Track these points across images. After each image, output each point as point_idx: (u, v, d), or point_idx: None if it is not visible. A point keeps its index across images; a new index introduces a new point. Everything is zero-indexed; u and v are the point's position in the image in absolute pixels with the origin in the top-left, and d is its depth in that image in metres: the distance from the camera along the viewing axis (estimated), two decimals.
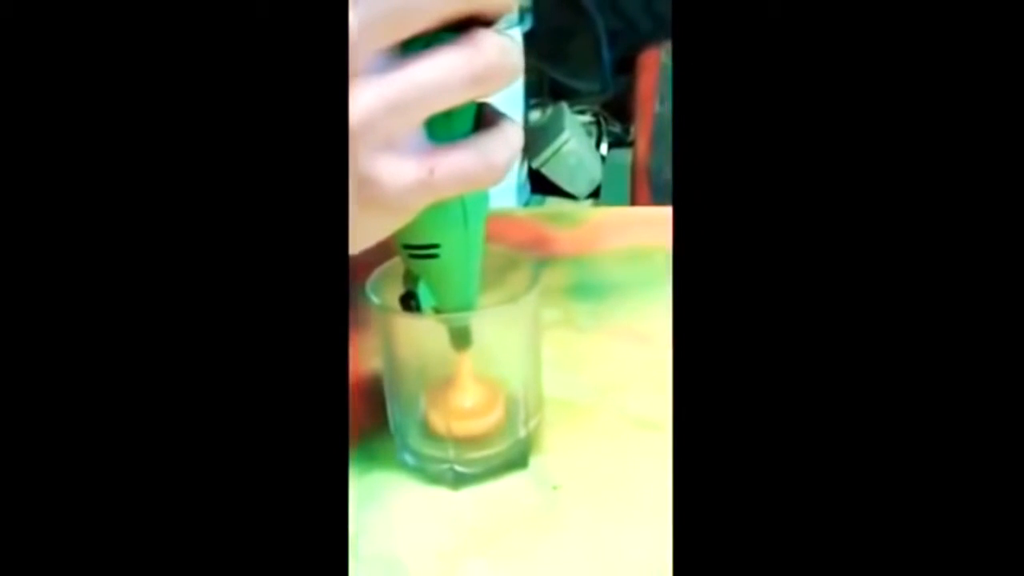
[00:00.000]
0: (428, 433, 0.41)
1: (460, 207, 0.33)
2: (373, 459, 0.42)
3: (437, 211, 0.32)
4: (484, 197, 0.35)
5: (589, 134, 1.94)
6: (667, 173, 1.66)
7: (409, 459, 0.41)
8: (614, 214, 0.72)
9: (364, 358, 0.49)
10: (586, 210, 1.23)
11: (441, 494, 0.40)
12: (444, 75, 0.28)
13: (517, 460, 0.41)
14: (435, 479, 0.40)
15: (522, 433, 0.41)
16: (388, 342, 0.40)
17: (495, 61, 0.29)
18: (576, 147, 1.83)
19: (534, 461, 0.41)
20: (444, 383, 0.40)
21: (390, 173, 0.29)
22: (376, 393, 0.44)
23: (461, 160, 0.30)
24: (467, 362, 0.39)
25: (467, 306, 0.37)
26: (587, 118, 1.97)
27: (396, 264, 0.39)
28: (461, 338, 0.38)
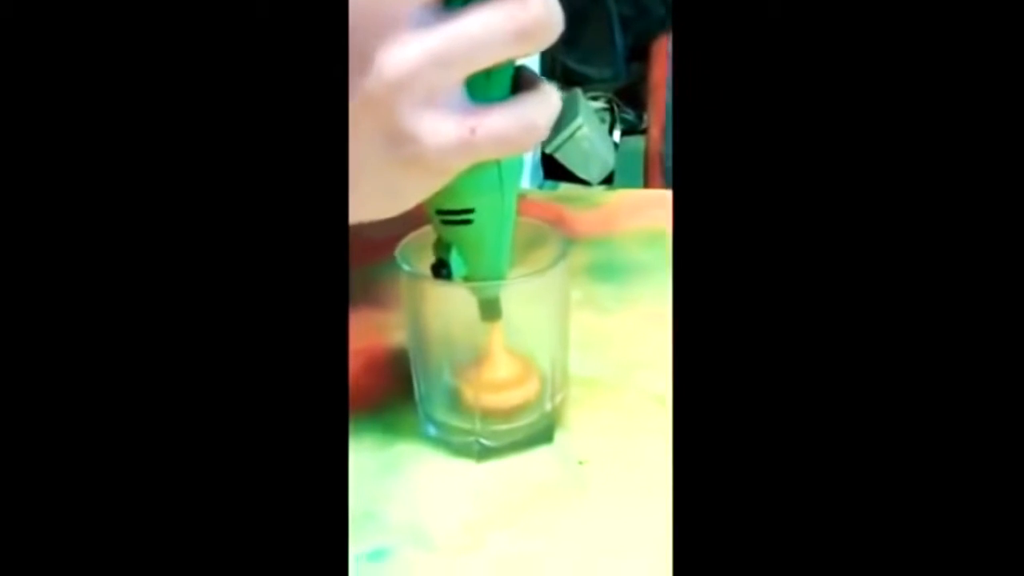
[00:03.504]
0: (454, 405, 0.40)
1: (496, 172, 0.33)
2: (396, 431, 0.41)
3: (473, 175, 0.32)
4: (519, 163, 0.35)
5: (602, 121, 1.93)
6: None
7: (433, 431, 0.41)
8: (631, 196, 0.72)
9: (387, 333, 0.48)
10: (603, 192, 1.22)
11: (465, 467, 0.40)
12: (490, 30, 0.28)
13: (543, 434, 0.40)
14: (460, 451, 0.40)
15: (548, 407, 0.40)
16: (417, 312, 0.39)
17: (541, 17, 0.28)
18: (589, 133, 1.82)
19: (559, 436, 0.41)
20: (472, 355, 0.40)
21: (432, 131, 0.28)
22: (399, 367, 0.43)
23: (502, 121, 0.29)
24: (498, 334, 0.39)
25: (498, 275, 0.37)
26: (600, 104, 1.96)
27: (426, 233, 0.38)
28: (491, 309, 0.38)
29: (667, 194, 0.73)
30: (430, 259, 0.37)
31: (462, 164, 0.30)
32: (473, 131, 0.29)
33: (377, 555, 0.35)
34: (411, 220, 0.34)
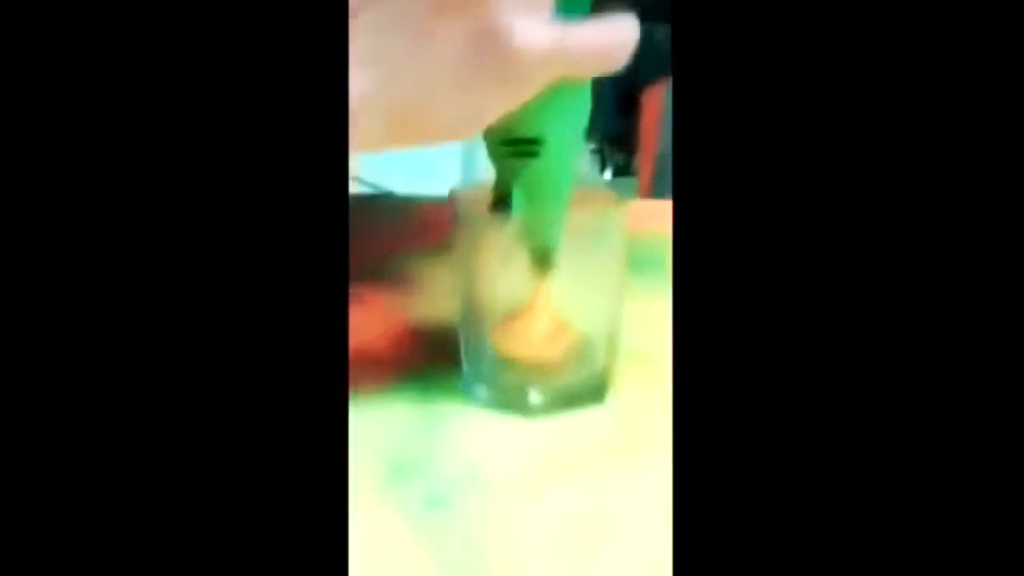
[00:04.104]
0: (502, 360, 0.39)
1: (572, 103, 0.33)
2: (441, 392, 0.40)
3: (549, 102, 0.31)
4: (588, 106, 0.34)
5: (593, 162, 1.99)
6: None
7: (481, 389, 0.39)
8: (647, 205, 0.72)
9: (421, 309, 0.48)
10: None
11: (515, 422, 0.38)
12: None
13: (593, 394, 0.39)
14: (509, 406, 0.39)
15: (599, 366, 0.39)
16: (469, 260, 0.38)
17: None
18: (586, 168, 1.86)
19: (610, 399, 0.40)
20: (522, 309, 0.39)
21: (525, 33, 0.28)
22: (438, 335, 0.42)
23: (593, 33, 0.29)
24: (545, 289, 0.38)
25: (556, 219, 0.36)
26: (591, 146, 2.01)
27: (482, 186, 0.38)
28: (544, 258, 0.37)
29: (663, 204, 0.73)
30: (484, 208, 0.36)
31: (548, 75, 0.30)
32: (564, 39, 0.28)
33: (434, 502, 0.33)
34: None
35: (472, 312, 0.39)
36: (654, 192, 1.83)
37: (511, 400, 0.39)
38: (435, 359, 0.42)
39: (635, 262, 0.41)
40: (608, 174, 1.98)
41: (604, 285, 0.39)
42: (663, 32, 1.94)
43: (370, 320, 0.47)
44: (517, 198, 0.35)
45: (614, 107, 2.05)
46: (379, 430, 0.37)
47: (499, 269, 0.38)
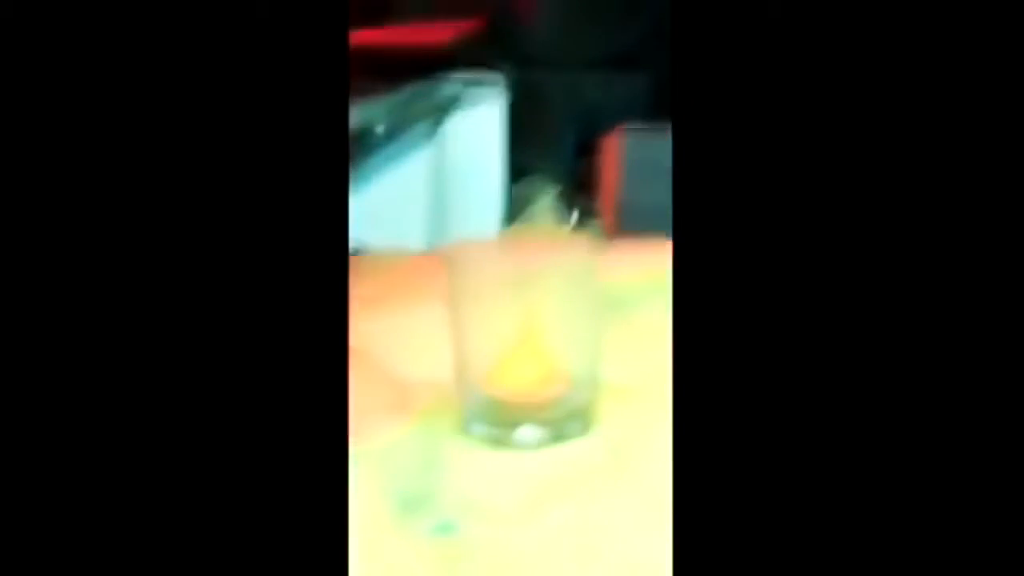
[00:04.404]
0: (496, 401, 0.43)
1: None
2: (437, 431, 0.44)
3: None
4: None
5: (558, 207, 2.01)
6: None
7: (476, 427, 0.43)
8: (620, 246, 0.76)
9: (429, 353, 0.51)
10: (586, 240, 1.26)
11: (510, 455, 0.42)
12: None
13: (581, 427, 0.43)
14: (505, 443, 0.43)
15: (584, 401, 0.43)
16: (461, 310, 0.42)
17: None
18: (552, 211, 1.91)
19: (594, 430, 0.44)
20: (511, 348, 0.43)
21: None
22: (440, 379, 0.46)
23: None
24: (533, 333, 0.42)
25: None
26: (555, 191, 2.04)
27: (472, 240, 0.42)
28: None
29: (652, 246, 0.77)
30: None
31: None
32: None
33: (444, 528, 0.36)
34: None
35: (466, 359, 0.43)
36: (617, 235, 1.87)
37: (507, 437, 0.43)
38: (435, 405, 0.46)
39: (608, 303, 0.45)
40: (574, 217, 2.03)
41: (585, 327, 0.43)
42: (619, 82, 2.00)
43: (369, 372, 0.51)
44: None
45: (574, 153, 2.09)
46: (387, 473, 0.41)
47: (490, 318, 0.42)
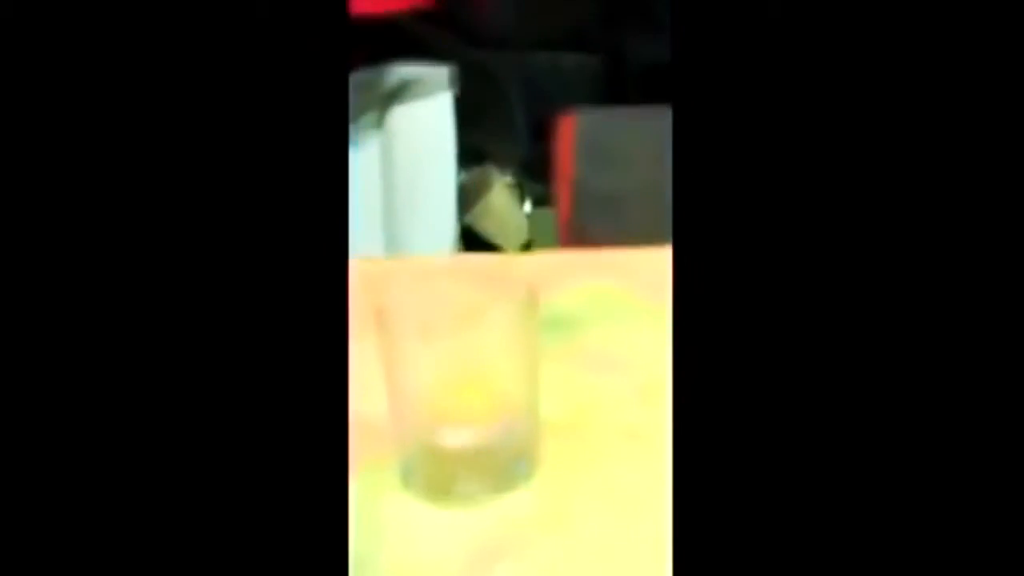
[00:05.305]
0: (434, 454, 0.42)
1: None
2: (378, 488, 0.43)
3: None
4: None
5: (512, 194, 2.01)
6: (592, 231, 1.71)
7: (415, 481, 0.42)
8: (565, 259, 0.75)
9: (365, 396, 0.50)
10: (530, 257, 1.26)
11: (450, 513, 0.41)
12: None
13: (521, 476, 0.43)
14: (442, 497, 0.42)
15: (524, 447, 0.43)
16: (393, 358, 0.42)
17: None
18: (505, 202, 1.89)
19: (537, 474, 0.43)
20: (448, 402, 0.42)
21: None
22: (377, 428, 0.45)
23: None
24: (468, 382, 0.42)
25: None
26: (509, 179, 2.03)
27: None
28: None
29: (600, 255, 0.77)
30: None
31: None
32: None
33: None
34: None
35: (403, 406, 0.42)
36: (573, 221, 1.86)
37: (444, 490, 0.42)
38: (374, 457, 0.45)
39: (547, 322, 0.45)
40: (528, 206, 2.01)
41: (523, 370, 0.43)
42: (570, 60, 1.98)
43: None
44: None
45: (527, 135, 2.08)
46: None
47: (427, 362, 0.42)
